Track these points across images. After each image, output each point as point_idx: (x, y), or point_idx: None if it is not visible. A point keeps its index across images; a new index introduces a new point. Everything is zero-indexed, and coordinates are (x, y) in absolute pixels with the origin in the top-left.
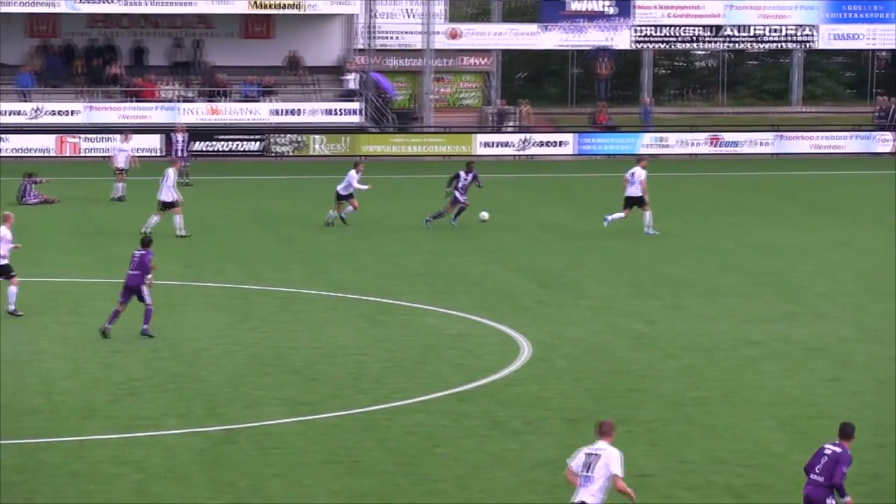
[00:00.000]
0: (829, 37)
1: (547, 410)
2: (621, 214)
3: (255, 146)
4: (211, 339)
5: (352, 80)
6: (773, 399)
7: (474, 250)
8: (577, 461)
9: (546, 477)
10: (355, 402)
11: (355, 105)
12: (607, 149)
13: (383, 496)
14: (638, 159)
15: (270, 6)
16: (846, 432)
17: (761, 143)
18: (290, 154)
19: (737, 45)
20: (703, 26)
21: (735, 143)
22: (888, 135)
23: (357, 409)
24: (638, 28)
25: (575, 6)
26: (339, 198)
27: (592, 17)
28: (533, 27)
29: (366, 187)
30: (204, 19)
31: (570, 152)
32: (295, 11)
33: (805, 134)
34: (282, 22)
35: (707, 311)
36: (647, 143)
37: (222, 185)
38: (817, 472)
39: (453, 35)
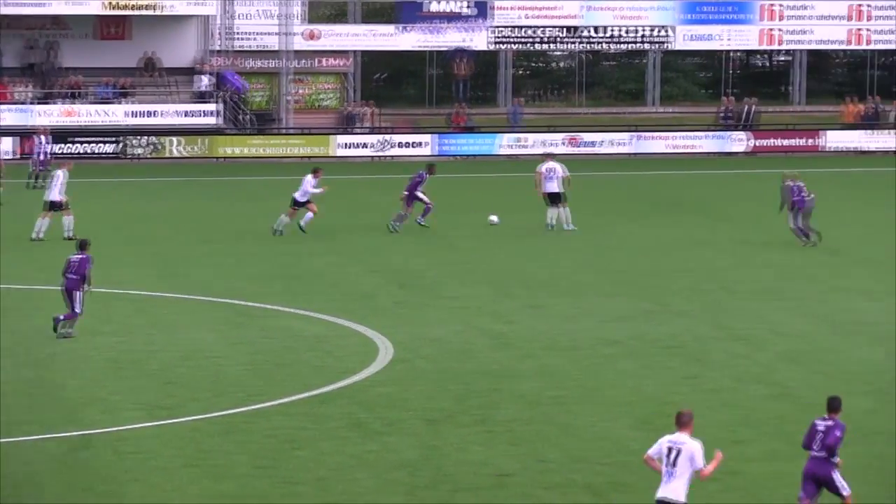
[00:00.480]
0: (685, 37)
1: (407, 411)
2: (558, 210)
3: (110, 148)
4: (67, 343)
5: (204, 82)
6: (631, 397)
7: (332, 252)
8: (655, 449)
9: (406, 478)
10: (214, 406)
11: (212, 106)
12: (466, 149)
13: (243, 499)
14: (546, 154)
15: (125, 7)
16: (834, 406)
17: (619, 144)
18: (147, 156)
19: (594, 45)
20: (561, 27)
21: (593, 144)
22: (742, 134)
23: (216, 413)
24: (496, 29)
25: (433, 7)
26: (296, 204)
27: (450, 18)
28: (391, 28)
29: (320, 190)
30: (58, 20)
31: (430, 153)
32: (150, 12)
33: (662, 134)
34: (137, 23)
35: (566, 311)
36: (506, 143)
37: (78, 187)
38: (816, 448)
39: (311, 36)
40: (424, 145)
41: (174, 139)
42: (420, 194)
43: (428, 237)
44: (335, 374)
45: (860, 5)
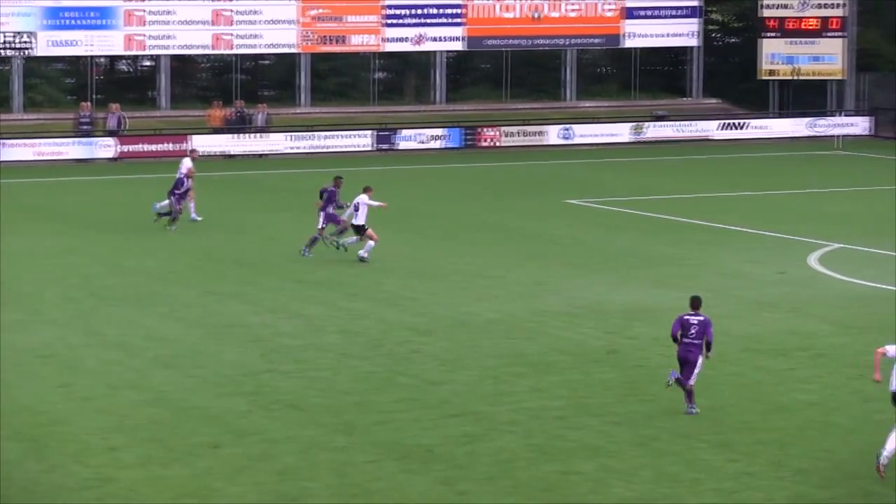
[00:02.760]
0: (48, 43)
1: None
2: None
3: None
4: None
5: None
6: (3, 408)
7: None
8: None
9: None
10: None
11: None
12: None
13: None
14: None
15: None
16: (697, 304)
17: None
18: None
19: None
20: None
21: None
22: (109, 140)
23: None
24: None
25: None
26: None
27: None
28: None
29: (379, 203)
30: None
31: None
32: None
33: (28, 141)
34: None
35: None
36: None
37: None
38: (692, 336)
39: None
40: None
41: None
42: (332, 210)
43: None
44: None
45: (223, 10)
